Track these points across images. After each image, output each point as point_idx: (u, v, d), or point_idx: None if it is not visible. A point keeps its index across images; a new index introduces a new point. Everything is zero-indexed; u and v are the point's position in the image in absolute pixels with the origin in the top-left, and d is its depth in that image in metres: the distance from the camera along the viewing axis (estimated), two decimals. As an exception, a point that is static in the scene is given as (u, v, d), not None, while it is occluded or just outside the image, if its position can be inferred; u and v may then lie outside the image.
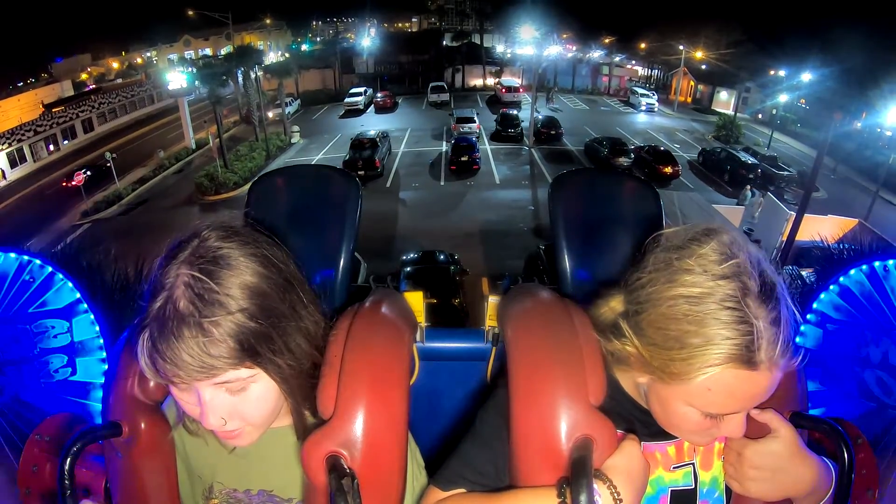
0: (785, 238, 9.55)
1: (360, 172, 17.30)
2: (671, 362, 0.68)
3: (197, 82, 21.76)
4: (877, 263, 1.15)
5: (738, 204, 13.71)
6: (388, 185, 17.92)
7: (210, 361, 0.65)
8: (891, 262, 1.13)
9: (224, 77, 20.74)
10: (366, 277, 9.25)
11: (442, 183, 18.16)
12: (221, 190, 17.83)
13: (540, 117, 23.58)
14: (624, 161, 18.76)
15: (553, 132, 22.76)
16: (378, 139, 19.48)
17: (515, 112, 24.91)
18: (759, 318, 0.63)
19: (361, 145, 18.76)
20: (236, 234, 0.71)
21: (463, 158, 18.37)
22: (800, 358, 0.67)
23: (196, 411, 0.72)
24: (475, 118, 23.00)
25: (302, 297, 0.76)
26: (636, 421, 0.80)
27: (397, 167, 19.67)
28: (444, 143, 22.12)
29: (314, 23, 51.78)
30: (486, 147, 21.77)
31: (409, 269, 9.40)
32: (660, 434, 0.79)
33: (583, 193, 1.22)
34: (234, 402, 0.71)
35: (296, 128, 24.67)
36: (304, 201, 1.18)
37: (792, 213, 10.00)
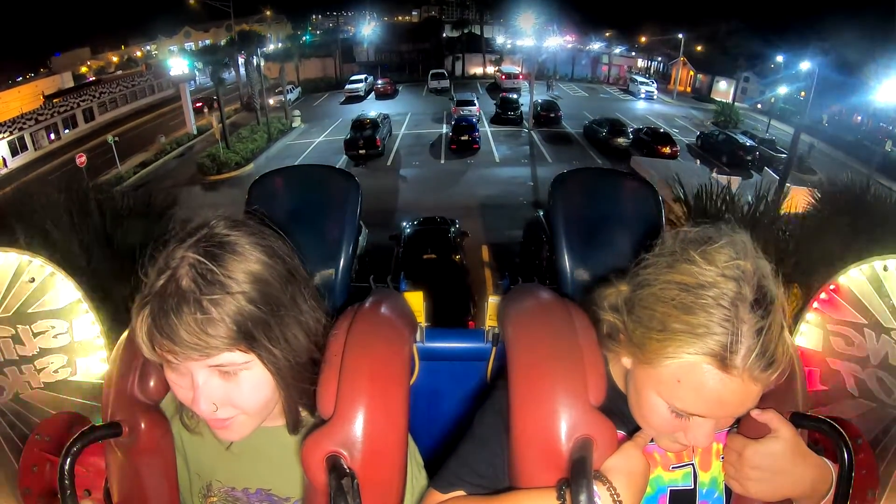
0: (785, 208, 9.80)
1: (360, 151, 17.56)
2: (648, 341, 0.69)
3: (199, 65, 21.92)
4: (877, 263, 1.15)
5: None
6: (388, 163, 18.14)
7: (206, 340, 0.66)
8: (891, 261, 1.13)
9: (226, 61, 20.91)
10: (365, 246, 9.00)
11: (442, 161, 18.38)
12: (223, 170, 17.89)
13: (539, 101, 23.82)
14: (623, 142, 18.82)
15: (552, 115, 22.99)
16: (379, 120, 19.68)
17: (515, 96, 25.20)
18: (744, 324, 0.63)
19: (362, 125, 18.90)
20: (244, 225, 0.73)
21: (463, 138, 18.63)
22: (777, 374, 0.65)
23: (189, 396, 0.72)
24: (475, 101, 23.30)
25: (304, 291, 0.77)
26: (634, 422, 0.80)
27: (398, 147, 19.91)
28: (445, 125, 22.33)
29: (314, 17, 51.88)
30: (486, 129, 21.97)
31: (409, 230, 9.44)
32: None
33: (583, 193, 1.22)
34: (226, 389, 0.71)
35: (297, 112, 24.92)
36: (304, 201, 1.18)
37: (790, 185, 10.22)
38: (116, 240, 3.87)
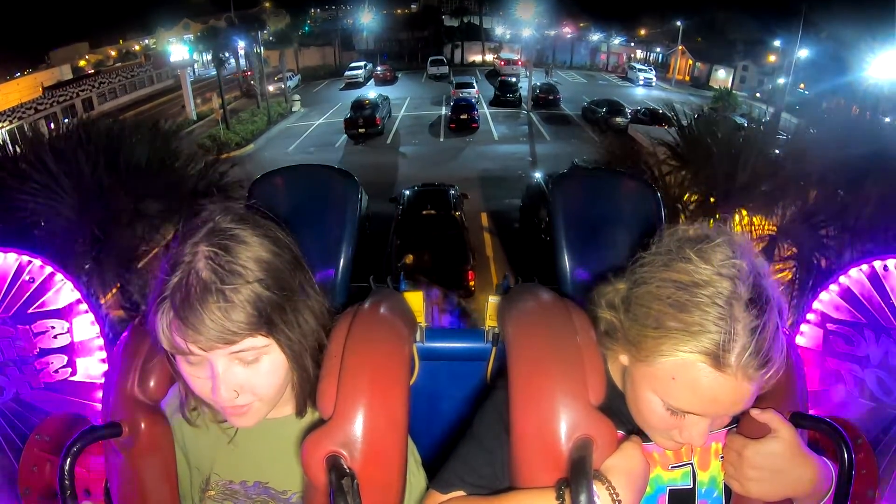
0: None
1: (360, 130, 17.96)
2: (644, 338, 0.69)
3: (200, 47, 22.12)
4: (877, 263, 1.15)
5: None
6: (388, 141, 18.52)
7: (230, 327, 0.68)
8: (891, 261, 1.13)
9: (226, 45, 21.27)
10: (366, 209, 9.73)
11: (441, 139, 18.77)
12: (224, 150, 17.93)
13: (538, 84, 24.14)
14: (620, 121, 19.04)
15: (551, 97, 23.22)
16: (379, 101, 20.06)
17: (514, 79, 25.57)
18: (739, 322, 0.63)
19: (362, 106, 19.25)
20: (248, 218, 0.76)
21: (462, 117, 18.99)
22: (772, 373, 0.65)
23: (207, 386, 0.73)
24: (474, 84, 23.74)
25: (310, 279, 0.80)
26: (634, 422, 0.80)
27: (397, 128, 20.30)
28: (444, 107, 22.60)
29: (312, 10, 51.94)
30: (485, 111, 22.30)
31: (409, 192, 9.77)
32: None
33: (583, 193, 1.22)
34: (246, 375, 0.74)
35: (296, 96, 25.24)
36: (304, 201, 1.18)
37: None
38: (123, 157, 4.10)
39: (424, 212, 8.79)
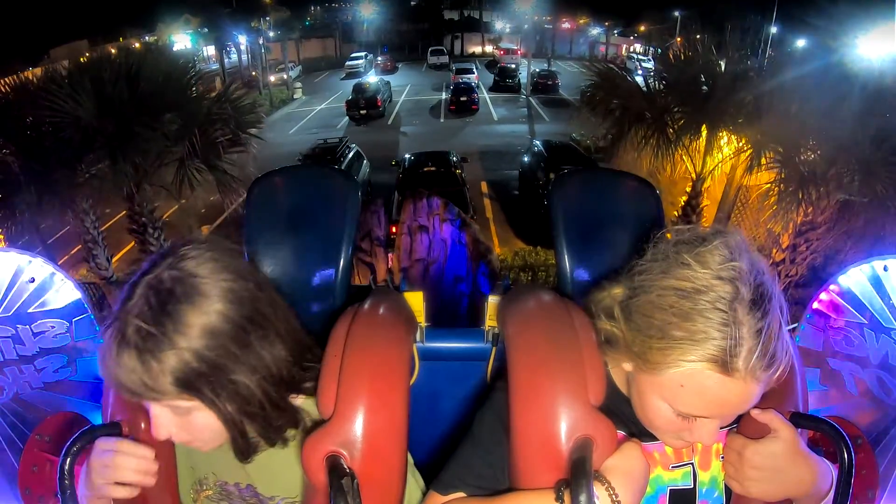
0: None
1: (361, 112, 18.45)
2: (649, 350, 0.68)
3: (202, 38, 22.29)
4: (876, 263, 1.15)
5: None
6: (389, 122, 19.01)
7: (146, 390, 0.67)
8: (890, 261, 1.13)
9: (227, 44, 21.88)
10: (368, 174, 10.86)
11: (442, 120, 19.24)
12: None
13: (537, 70, 24.43)
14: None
15: (550, 83, 23.39)
16: (380, 84, 20.52)
17: (514, 66, 25.96)
18: (743, 325, 0.63)
19: (363, 88, 19.69)
20: (213, 261, 0.70)
21: (462, 99, 19.43)
22: (779, 372, 0.65)
23: None
24: (474, 70, 24.26)
25: (268, 333, 0.74)
26: (634, 422, 0.80)
27: (398, 111, 20.83)
28: (444, 93, 23.02)
29: (313, 8, 52.11)
30: (485, 95, 22.69)
31: (409, 156, 10.42)
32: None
33: (583, 193, 1.22)
34: (180, 422, 0.73)
35: (298, 84, 25.78)
36: (304, 201, 1.18)
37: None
38: (143, 74, 4.53)
39: (425, 169, 9.29)
